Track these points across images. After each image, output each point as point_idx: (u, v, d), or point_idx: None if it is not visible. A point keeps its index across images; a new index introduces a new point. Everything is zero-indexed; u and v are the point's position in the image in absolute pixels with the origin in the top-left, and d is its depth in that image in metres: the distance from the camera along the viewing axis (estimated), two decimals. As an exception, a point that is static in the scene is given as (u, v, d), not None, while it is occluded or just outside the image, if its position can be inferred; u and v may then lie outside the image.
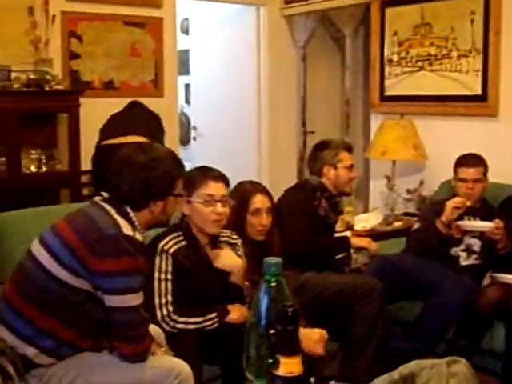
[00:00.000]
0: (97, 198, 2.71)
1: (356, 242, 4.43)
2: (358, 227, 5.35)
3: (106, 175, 2.74)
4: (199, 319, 3.10)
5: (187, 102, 8.01)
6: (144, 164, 2.68)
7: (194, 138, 7.85)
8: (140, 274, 2.58)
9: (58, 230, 2.61)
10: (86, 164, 5.50)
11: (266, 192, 3.66)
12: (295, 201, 4.25)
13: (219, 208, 3.17)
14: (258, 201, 3.56)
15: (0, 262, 3.70)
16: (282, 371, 1.53)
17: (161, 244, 3.13)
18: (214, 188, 3.19)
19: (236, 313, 3.18)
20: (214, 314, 3.13)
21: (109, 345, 2.67)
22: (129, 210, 2.65)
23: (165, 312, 3.05)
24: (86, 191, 5.67)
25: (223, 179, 3.25)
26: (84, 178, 5.61)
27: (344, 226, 5.16)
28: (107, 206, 2.64)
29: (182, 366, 2.67)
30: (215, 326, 3.13)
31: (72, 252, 2.51)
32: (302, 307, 3.62)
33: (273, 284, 1.68)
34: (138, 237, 2.59)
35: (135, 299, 2.57)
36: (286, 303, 1.57)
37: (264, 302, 1.68)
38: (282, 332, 1.54)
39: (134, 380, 2.56)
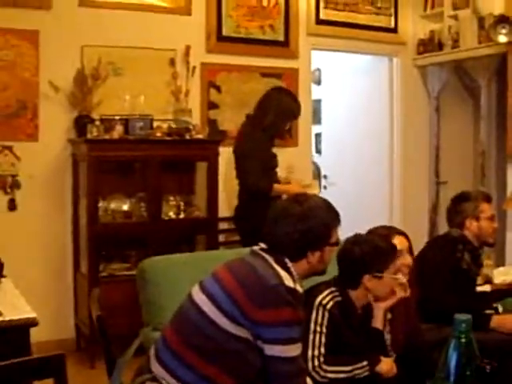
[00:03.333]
0: (257, 248, 2.75)
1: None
2: (497, 281, 5.18)
3: (264, 227, 2.78)
4: (349, 368, 3.11)
5: (318, 151, 8.06)
6: (300, 215, 2.70)
7: (325, 187, 7.87)
8: (299, 326, 2.59)
9: (220, 278, 2.65)
10: (222, 211, 5.61)
11: (401, 232, 3.64)
12: (440, 256, 4.17)
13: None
14: (398, 242, 3.52)
15: (147, 305, 3.81)
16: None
17: (319, 298, 3.16)
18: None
19: (387, 364, 3.18)
20: (364, 363, 3.12)
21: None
22: (287, 260, 2.67)
23: (316, 363, 3.06)
24: (222, 238, 5.76)
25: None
26: (221, 225, 5.71)
27: (483, 280, 5.01)
28: (267, 257, 2.67)
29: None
30: (365, 374, 3.11)
31: (233, 300, 2.54)
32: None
33: (463, 340, 1.64)
34: (299, 288, 2.60)
35: (295, 350, 2.57)
36: (484, 360, 1.53)
37: (453, 358, 1.64)
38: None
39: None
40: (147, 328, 3.63)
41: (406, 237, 3.67)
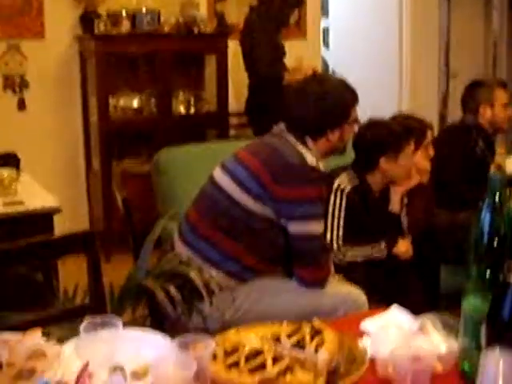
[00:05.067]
0: (277, 129, 2.75)
1: None
2: (509, 169, 5.19)
3: (283, 107, 2.78)
4: (367, 250, 3.16)
5: (326, 45, 7.92)
6: (319, 94, 2.70)
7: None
8: (322, 203, 2.63)
9: (242, 159, 2.66)
10: (233, 106, 5.58)
11: (421, 120, 3.62)
12: (454, 143, 4.17)
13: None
14: (429, 135, 3.52)
15: (162, 196, 3.84)
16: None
17: (337, 182, 3.18)
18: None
19: (404, 246, 3.24)
20: (382, 244, 3.18)
21: (287, 271, 2.73)
22: (308, 139, 2.68)
23: (335, 246, 3.10)
24: (232, 132, 5.75)
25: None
26: (231, 120, 5.68)
27: (496, 168, 5.02)
28: (289, 137, 2.67)
29: (359, 293, 2.70)
30: (383, 255, 3.17)
31: (257, 180, 2.56)
32: (454, 247, 3.63)
33: (496, 199, 1.65)
34: (320, 166, 2.62)
35: (318, 227, 2.61)
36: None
37: (487, 217, 1.66)
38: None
39: (312, 305, 2.60)
40: (163, 219, 3.67)
41: (428, 126, 3.64)
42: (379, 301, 2.60)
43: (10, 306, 2.38)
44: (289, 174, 2.54)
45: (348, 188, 3.18)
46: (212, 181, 2.71)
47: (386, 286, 3.13)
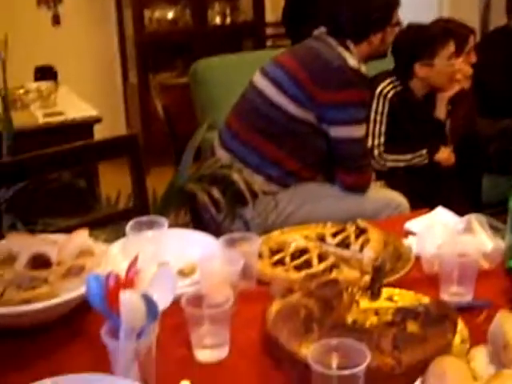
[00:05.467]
0: (318, 33, 2.69)
1: None
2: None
3: (323, 10, 2.72)
4: (408, 156, 3.13)
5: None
6: None
7: None
8: (364, 106, 2.59)
9: (282, 63, 2.63)
10: (269, 15, 5.48)
11: (463, 25, 3.52)
12: (498, 50, 4.05)
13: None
14: (471, 41, 3.43)
15: (201, 106, 3.82)
16: None
17: (379, 88, 3.12)
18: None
19: (446, 153, 3.21)
20: (424, 151, 3.15)
21: (329, 177, 2.72)
22: (350, 42, 2.62)
23: (376, 152, 3.08)
24: (269, 43, 5.67)
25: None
26: (268, 31, 5.59)
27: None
28: (330, 40, 2.62)
29: (401, 198, 2.69)
30: (424, 162, 3.14)
31: (298, 83, 2.53)
32: (498, 156, 3.59)
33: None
34: (363, 69, 2.57)
35: (360, 130, 2.58)
36: None
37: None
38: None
39: (354, 209, 2.59)
40: (202, 128, 3.66)
41: (470, 31, 3.53)
42: (421, 207, 2.59)
43: (55, 213, 2.42)
44: (329, 75, 2.49)
45: (391, 93, 3.13)
46: (252, 85, 2.68)
47: (427, 193, 3.11)
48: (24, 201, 2.40)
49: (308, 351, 1.16)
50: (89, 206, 2.51)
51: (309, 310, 1.31)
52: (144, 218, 1.67)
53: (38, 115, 3.44)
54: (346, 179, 2.61)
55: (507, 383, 1.11)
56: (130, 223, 1.65)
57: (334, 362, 1.16)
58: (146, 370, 1.22)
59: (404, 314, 1.33)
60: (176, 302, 1.30)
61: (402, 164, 3.12)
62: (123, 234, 1.69)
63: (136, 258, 1.27)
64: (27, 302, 1.38)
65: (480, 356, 1.25)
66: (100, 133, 3.50)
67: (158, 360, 1.25)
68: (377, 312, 1.43)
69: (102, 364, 1.24)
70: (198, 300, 1.33)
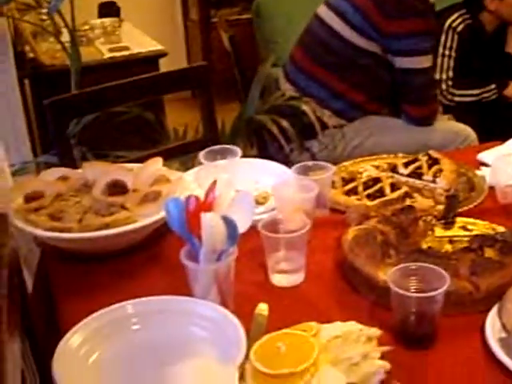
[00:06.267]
0: None
1: None
2: None
3: None
4: (477, 91, 3.07)
5: None
6: None
7: None
8: (431, 36, 2.54)
9: None
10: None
11: None
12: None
13: None
14: None
15: (264, 43, 3.81)
16: None
17: (449, 21, 3.05)
18: None
19: (515, 86, 3.14)
20: (492, 86, 3.09)
21: (395, 111, 2.69)
22: None
23: (444, 86, 3.03)
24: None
25: None
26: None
27: None
28: None
29: (469, 131, 2.66)
30: (493, 97, 3.08)
31: (362, 13, 2.49)
32: None
33: None
34: None
35: (426, 61, 2.54)
36: None
37: None
38: None
39: (421, 141, 2.56)
40: (267, 63, 3.64)
41: None
42: (489, 141, 2.55)
43: (125, 146, 2.45)
44: (396, 5, 2.45)
45: (460, 27, 3.06)
46: (316, 17, 2.65)
47: (496, 128, 3.06)
48: (94, 133, 2.44)
49: (387, 275, 1.17)
50: (157, 139, 2.54)
51: (385, 235, 1.32)
52: (217, 147, 1.69)
53: (104, 50, 3.46)
54: (412, 111, 2.58)
55: None
56: (203, 152, 1.66)
57: (413, 286, 1.17)
58: (224, 293, 1.24)
59: (481, 241, 1.33)
60: (253, 228, 1.31)
61: (469, 99, 3.07)
62: (193, 165, 1.71)
63: (215, 183, 1.29)
64: (106, 226, 1.41)
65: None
66: (164, 67, 3.51)
67: (236, 283, 1.28)
68: (451, 240, 1.44)
69: (180, 288, 1.27)
70: (274, 225, 1.35)
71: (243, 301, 1.27)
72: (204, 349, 1.16)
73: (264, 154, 2.50)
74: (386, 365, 1.05)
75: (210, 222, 1.17)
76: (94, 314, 1.19)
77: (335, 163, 1.89)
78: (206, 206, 1.26)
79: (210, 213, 1.19)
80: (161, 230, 1.48)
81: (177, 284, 1.30)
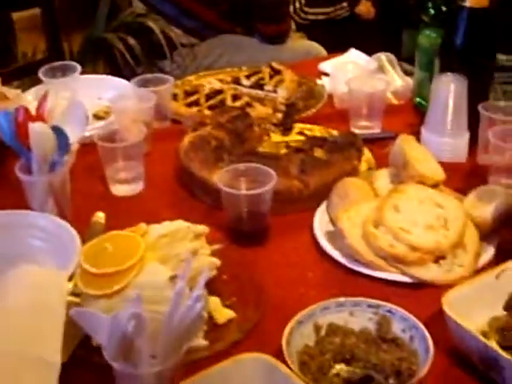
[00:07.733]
0: None
1: None
2: None
3: None
4: (329, 9, 3.12)
5: None
6: None
7: None
8: None
9: None
10: None
11: None
12: None
13: None
14: None
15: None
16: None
17: None
18: None
19: (366, 6, 3.21)
20: (344, 4, 3.13)
21: (248, 30, 2.70)
22: None
23: (297, 5, 3.05)
24: None
25: None
26: None
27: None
28: None
29: (321, 48, 2.71)
30: (345, 15, 3.14)
31: None
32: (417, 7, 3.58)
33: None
34: None
35: None
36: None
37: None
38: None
39: (274, 59, 2.57)
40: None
41: None
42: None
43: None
44: None
45: None
46: None
47: (346, 45, 3.13)
48: None
49: (217, 177, 1.20)
50: (4, 63, 2.45)
51: (220, 140, 1.35)
52: (57, 64, 1.66)
53: None
54: (265, 29, 2.61)
55: (401, 195, 1.18)
56: (43, 69, 1.63)
57: (243, 186, 1.21)
58: (61, 204, 1.25)
59: (312, 142, 1.38)
60: (93, 143, 1.32)
61: (322, 17, 3.11)
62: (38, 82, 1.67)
63: (46, 95, 1.28)
64: None
65: (382, 177, 1.31)
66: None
67: (74, 195, 1.29)
68: (288, 145, 1.48)
69: (24, 204, 1.26)
70: (111, 137, 1.35)
71: (83, 212, 1.28)
72: (42, 259, 1.16)
73: (116, 76, 2.46)
74: (216, 261, 1.09)
75: (38, 131, 1.16)
76: None
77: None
78: (38, 117, 1.24)
79: (38, 122, 1.18)
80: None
81: (20, 201, 1.28)
